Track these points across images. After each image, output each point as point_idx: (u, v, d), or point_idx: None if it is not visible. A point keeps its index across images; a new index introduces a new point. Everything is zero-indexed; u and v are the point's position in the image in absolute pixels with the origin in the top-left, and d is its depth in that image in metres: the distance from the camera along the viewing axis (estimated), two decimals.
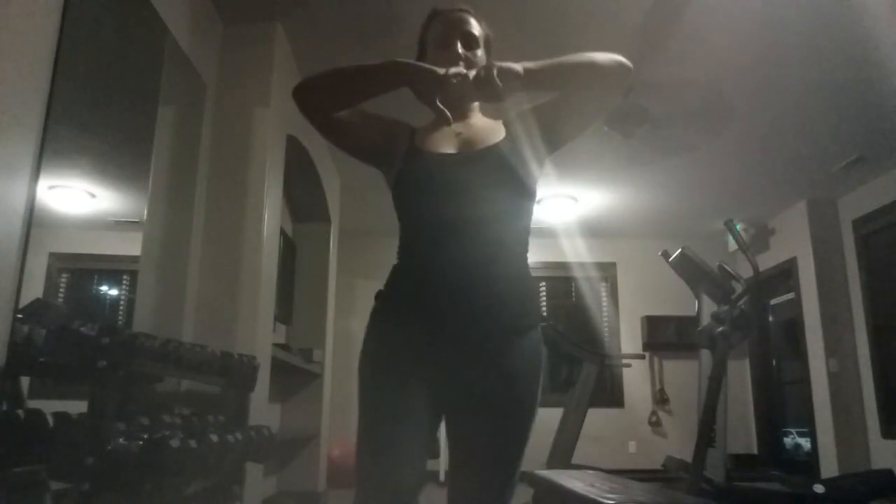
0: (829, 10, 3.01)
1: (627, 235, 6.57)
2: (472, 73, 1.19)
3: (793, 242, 5.76)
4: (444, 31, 1.34)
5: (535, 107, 1.33)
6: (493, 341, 1.19)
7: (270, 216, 3.07)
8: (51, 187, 5.42)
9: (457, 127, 1.32)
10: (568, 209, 5.70)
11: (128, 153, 4.36)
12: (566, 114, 1.30)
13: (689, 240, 5.15)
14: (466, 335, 1.18)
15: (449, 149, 1.30)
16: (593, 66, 1.20)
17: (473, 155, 1.28)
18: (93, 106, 3.73)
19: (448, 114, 1.25)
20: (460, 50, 1.31)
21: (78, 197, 5.45)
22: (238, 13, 3.10)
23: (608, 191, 5.50)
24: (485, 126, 1.36)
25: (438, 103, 1.25)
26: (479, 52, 1.35)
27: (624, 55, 1.23)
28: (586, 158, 4.74)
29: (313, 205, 4.66)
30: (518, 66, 1.17)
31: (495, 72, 1.15)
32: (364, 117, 1.35)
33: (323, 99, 1.30)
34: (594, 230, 6.31)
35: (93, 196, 5.47)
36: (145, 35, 2.76)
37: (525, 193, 1.28)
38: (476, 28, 1.36)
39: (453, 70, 1.19)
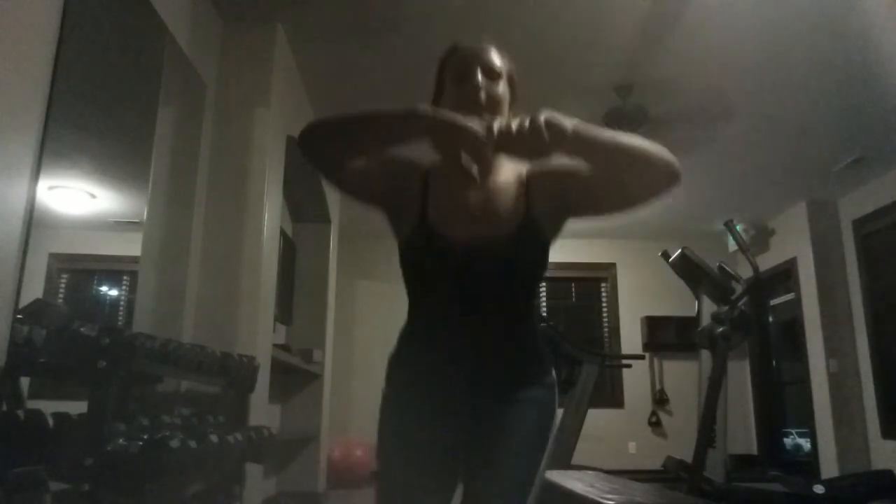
0: (829, 10, 3.01)
1: (627, 236, 6.57)
2: (515, 126, 1.07)
3: (793, 243, 5.76)
4: (463, 64, 1.24)
5: (563, 171, 1.22)
6: (506, 387, 1.20)
7: (270, 216, 3.07)
8: (51, 188, 5.42)
9: (476, 183, 1.23)
10: None
11: (128, 153, 4.36)
12: (590, 193, 1.21)
13: (689, 240, 5.16)
14: (480, 382, 1.19)
15: (464, 230, 1.18)
16: (646, 157, 1.11)
17: (490, 247, 1.17)
18: (93, 106, 3.73)
19: (475, 174, 1.20)
20: (480, 80, 1.21)
21: (78, 197, 5.45)
22: (238, 13, 3.10)
23: None
24: (508, 182, 1.24)
25: (463, 162, 1.19)
26: (501, 85, 1.24)
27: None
28: None
29: (313, 205, 4.66)
30: (567, 123, 1.08)
31: (544, 123, 1.06)
32: (373, 165, 1.24)
33: (331, 149, 1.18)
34: (594, 230, 6.32)
35: (93, 196, 5.47)
36: (145, 35, 2.76)
37: (542, 271, 1.25)
38: (498, 60, 1.26)
39: (496, 125, 1.09)
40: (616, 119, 3.81)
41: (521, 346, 1.23)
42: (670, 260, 4.44)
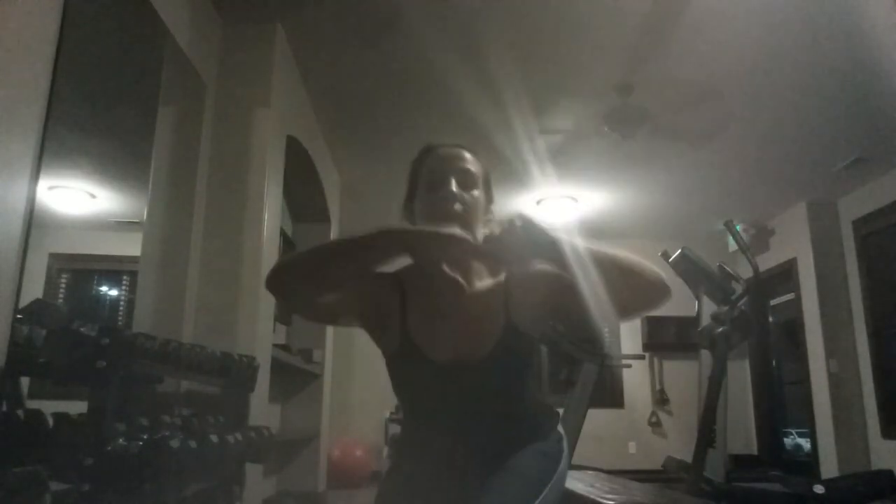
0: (828, 11, 3.00)
1: (627, 236, 6.56)
2: (491, 233, 1.06)
3: (793, 243, 5.75)
4: (437, 169, 1.20)
5: (543, 278, 1.17)
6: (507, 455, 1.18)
7: (270, 216, 3.07)
8: (51, 188, 5.42)
9: (455, 291, 1.20)
10: (568, 210, 5.70)
11: (128, 153, 4.37)
12: (573, 302, 1.14)
13: (689, 240, 5.15)
14: (479, 471, 1.16)
15: (445, 347, 1.16)
16: (633, 274, 1.07)
17: (474, 362, 1.15)
18: (93, 106, 3.73)
19: (461, 282, 1.18)
20: (455, 189, 1.17)
21: (78, 197, 5.45)
22: (238, 13, 3.10)
23: (608, 191, 5.50)
24: (487, 290, 1.21)
25: (445, 271, 1.17)
26: (477, 193, 1.20)
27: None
28: (586, 159, 4.74)
29: (313, 205, 4.66)
30: (549, 232, 1.04)
31: (521, 225, 1.03)
32: (347, 292, 1.19)
33: (304, 288, 1.12)
34: (594, 231, 6.31)
35: (93, 196, 5.48)
36: (145, 35, 2.76)
37: (531, 361, 1.24)
38: (473, 165, 1.22)
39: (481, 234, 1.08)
40: (616, 119, 3.82)
41: (519, 429, 1.22)
42: (670, 260, 4.43)
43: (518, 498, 1.10)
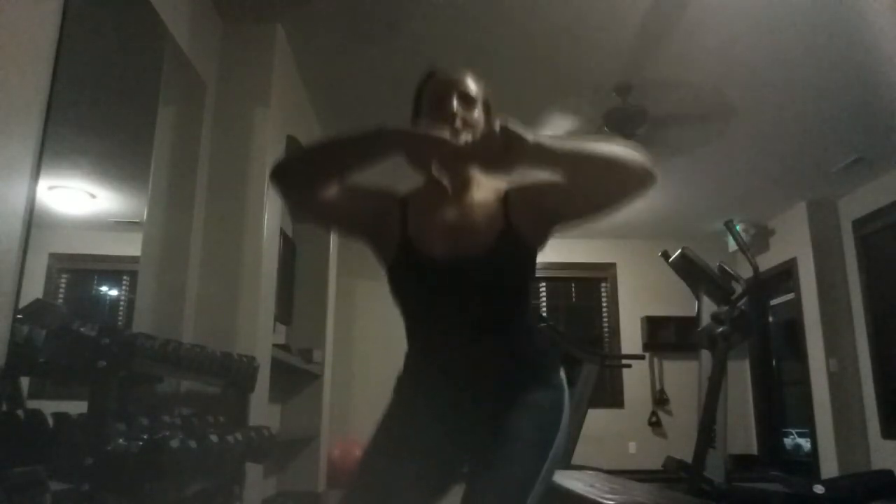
0: (828, 11, 3.01)
1: (627, 236, 6.57)
2: (473, 137, 1.13)
3: (793, 243, 5.76)
4: (439, 90, 1.26)
5: (540, 182, 1.22)
6: (503, 395, 1.19)
7: (270, 216, 3.07)
8: (51, 188, 5.43)
9: (454, 200, 1.25)
10: None
11: (128, 153, 4.37)
12: (567, 200, 1.20)
13: (690, 240, 5.16)
14: (476, 393, 1.20)
15: (443, 245, 1.20)
16: (615, 162, 1.10)
17: (471, 259, 1.18)
18: (93, 106, 3.74)
19: (447, 185, 1.23)
20: (456, 109, 1.22)
21: (78, 197, 5.45)
22: (238, 13, 3.10)
23: None
24: (486, 198, 1.26)
25: (435, 172, 1.22)
26: (477, 113, 1.25)
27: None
28: None
29: None
30: (528, 135, 1.08)
31: (499, 128, 1.07)
32: (350, 196, 1.24)
33: (305, 179, 1.18)
34: (594, 230, 6.31)
35: (93, 196, 5.48)
36: (145, 35, 2.76)
37: (529, 277, 1.26)
38: (474, 87, 1.27)
39: (464, 136, 1.14)
40: (616, 119, 3.81)
41: (515, 352, 1.23)
42: (670, 260, 4.44)
43: (525, 467, 1.11)
